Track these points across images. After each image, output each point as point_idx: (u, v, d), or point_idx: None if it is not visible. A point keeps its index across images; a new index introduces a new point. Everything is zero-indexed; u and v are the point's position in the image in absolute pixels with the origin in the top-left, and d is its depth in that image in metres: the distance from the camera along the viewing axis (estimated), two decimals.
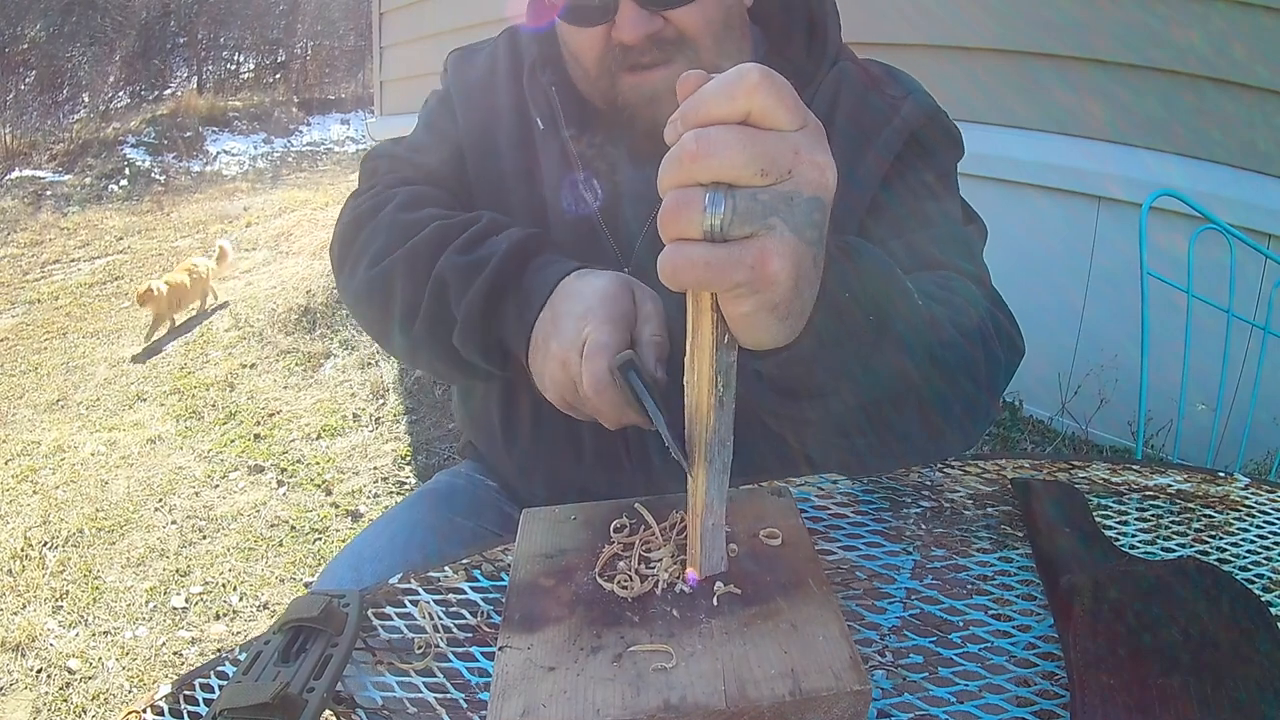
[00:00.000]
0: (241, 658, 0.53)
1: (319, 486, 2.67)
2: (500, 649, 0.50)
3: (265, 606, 2.14)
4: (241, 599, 2.18)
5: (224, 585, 2.23)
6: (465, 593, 0.62)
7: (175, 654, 1.99)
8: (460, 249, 0.71)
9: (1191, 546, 0.66)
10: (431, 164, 0.85)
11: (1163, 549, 0.66)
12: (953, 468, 0.77)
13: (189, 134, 8.47)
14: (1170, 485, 0.75)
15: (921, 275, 0.66)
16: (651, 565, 0.56)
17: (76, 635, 2.07)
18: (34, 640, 2.05)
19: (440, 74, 0.92)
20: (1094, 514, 0.68)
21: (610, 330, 0.61)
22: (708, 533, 0.53)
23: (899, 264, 0.55)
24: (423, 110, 0.91)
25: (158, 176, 7.70)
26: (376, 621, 0.60)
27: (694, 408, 0.49)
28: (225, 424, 3.15)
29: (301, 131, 9.42)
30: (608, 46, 0.72)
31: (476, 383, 0.90)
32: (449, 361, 0.73)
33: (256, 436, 3.03)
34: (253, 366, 3.62)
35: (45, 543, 2.47)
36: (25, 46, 8.71)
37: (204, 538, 2.46)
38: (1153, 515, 0.70)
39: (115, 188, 7.29)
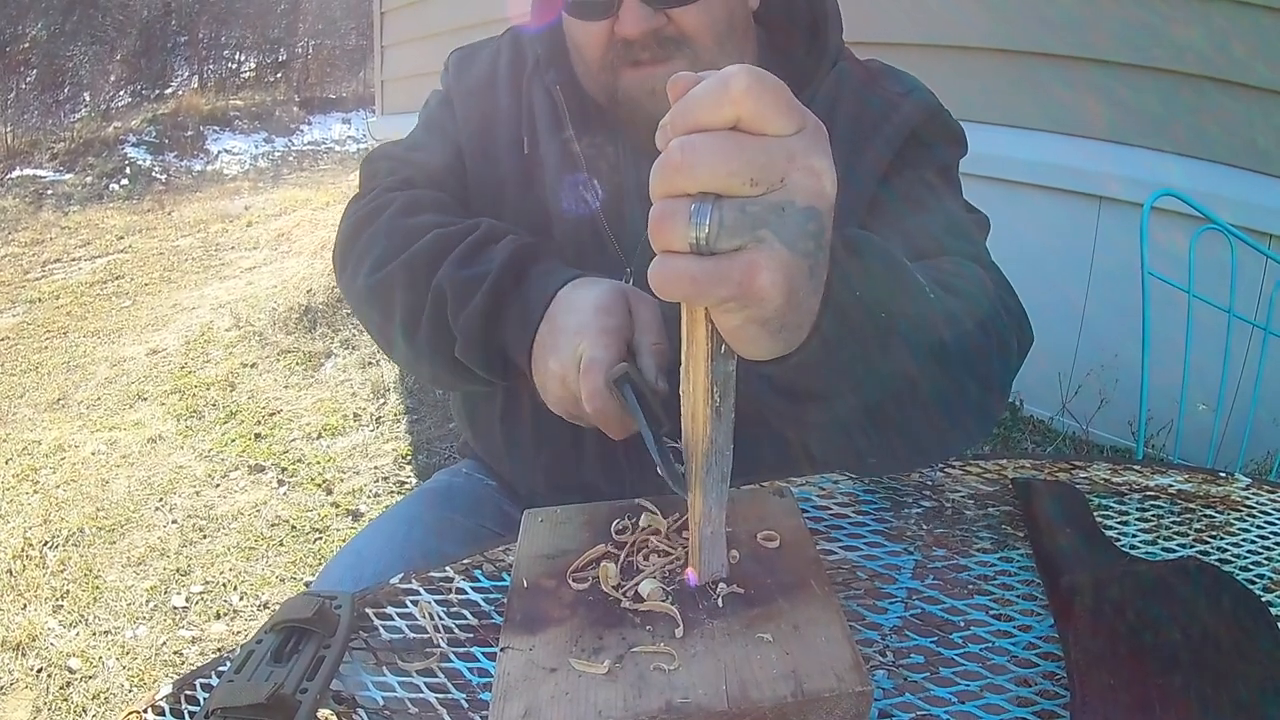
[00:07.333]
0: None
1: (320, 486, 2.67)
2: (502, 650, 0.50)
3: (266, 606, 2.14)
4: (242, 598, 2.18)
5: (225, 585, 2.23)
6: (467, 593, 0.62)
7: (176, 653, 1.99)
8: (458, 261, 0.71)
9: (1192, 546, 0.66)
10: (432, 163, 0.85)
11: (1164, 549, 0.66)
12: (954, 468, 0.77)
13: (190, 133, 8.46)
14: (1171, 485, 0.75)
15: (927, 263, 0.65)
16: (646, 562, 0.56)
17: (77, 634, 2.07)
18: (34, 639, 2.05)
19: (441, 73, 0.92)
20: (1095, 514, 0.68)
21: (605, 344, 0.61)
22: (706, 540, 0.53)
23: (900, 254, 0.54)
24: (423, 110, 0.92)
25: (159, 175, 7.69)
26: (377, 621, 0.60)
27: (690, 417, 0.49)
28: (226, 423, 3.15)
29: (302, 131, 9.40)
30: (611, 41, 0.73)
31: (479, 390, 0.90)
32: (452, 370, 0.73)
33: (257, 436, 3.03)
34: (253, 366, 3.62)
35: (46, 542, 2.47)
36: (26, 45, 8.69)
37: (204, 537, 2.46)
38: (1154, 515, 0.70)
39: (116, 187, 7.28)
